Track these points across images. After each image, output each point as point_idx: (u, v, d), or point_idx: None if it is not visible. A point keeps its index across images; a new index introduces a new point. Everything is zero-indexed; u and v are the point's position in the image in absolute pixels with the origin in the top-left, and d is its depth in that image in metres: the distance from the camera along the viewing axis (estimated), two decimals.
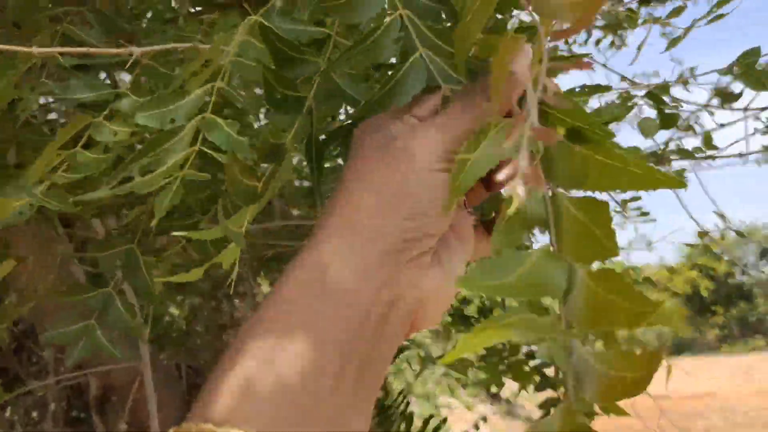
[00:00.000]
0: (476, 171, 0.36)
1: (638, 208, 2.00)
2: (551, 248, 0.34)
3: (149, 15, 0.91)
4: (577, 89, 0.63)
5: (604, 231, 0.33)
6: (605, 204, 0.34)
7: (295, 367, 0.33)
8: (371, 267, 0.36)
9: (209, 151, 0.45)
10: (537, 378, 1.47)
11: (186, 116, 0.46)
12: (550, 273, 0.33)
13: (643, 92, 1.10)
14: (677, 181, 0.35)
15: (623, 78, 1.39)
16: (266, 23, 0.55)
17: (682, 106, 1.20)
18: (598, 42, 2.33)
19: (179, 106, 0.46)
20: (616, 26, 1.77)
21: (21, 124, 0.54)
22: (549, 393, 1.47)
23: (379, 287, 0.36)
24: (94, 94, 0.55)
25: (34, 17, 0.64)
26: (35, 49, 0.47)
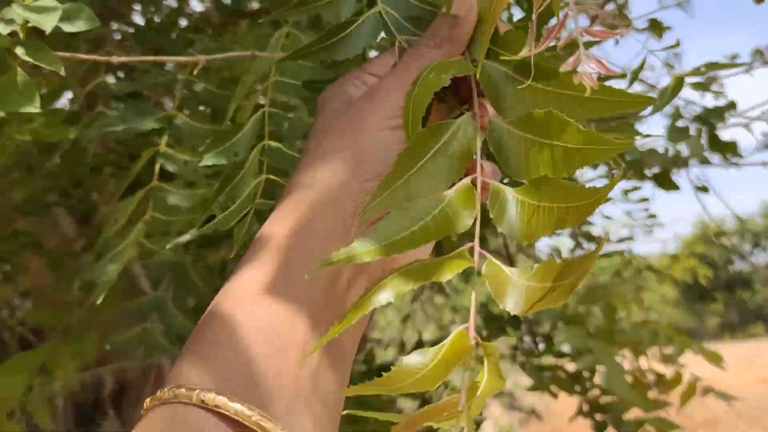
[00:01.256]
0: (423, 98, 0.35)
1: (638, 191, 1.98)
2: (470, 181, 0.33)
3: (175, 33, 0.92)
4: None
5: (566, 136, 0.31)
6: (552, 113, 0.32)
7: (260, 342, 0.33)
8: (335, 234, 0.36)
9: (275, 177, 0.47)
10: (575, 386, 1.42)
11: (246, 147, 0.47)
12: (460, 209, 0.32)
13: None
14: (641, 100, 0.32)
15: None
16: (295, 32, 0.56)
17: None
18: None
19: (238, 140, 0.47)
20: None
21: (89, 156, 0.55)
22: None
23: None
24: (151, 120, 0.56)
25: (73, 43, 0.65)
26: (115, 58, 0.48)
